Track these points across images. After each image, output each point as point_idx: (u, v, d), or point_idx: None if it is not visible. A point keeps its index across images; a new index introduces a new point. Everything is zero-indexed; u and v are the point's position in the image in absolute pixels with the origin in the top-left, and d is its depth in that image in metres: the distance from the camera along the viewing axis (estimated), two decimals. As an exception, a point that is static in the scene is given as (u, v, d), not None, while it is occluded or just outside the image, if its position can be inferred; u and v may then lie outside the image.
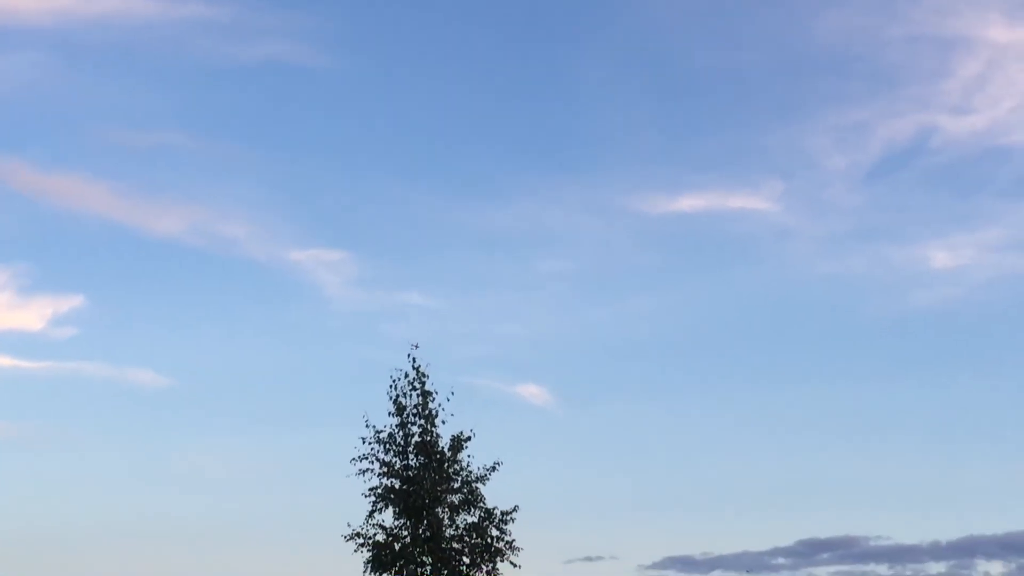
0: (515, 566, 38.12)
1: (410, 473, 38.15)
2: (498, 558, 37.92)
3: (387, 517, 38.15)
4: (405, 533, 37.99)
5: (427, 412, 38.52)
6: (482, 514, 38.23)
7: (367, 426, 38.54)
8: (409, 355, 38.67)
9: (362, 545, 37.83)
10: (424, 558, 37.62)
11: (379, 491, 38.18)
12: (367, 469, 38.38)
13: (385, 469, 38.29)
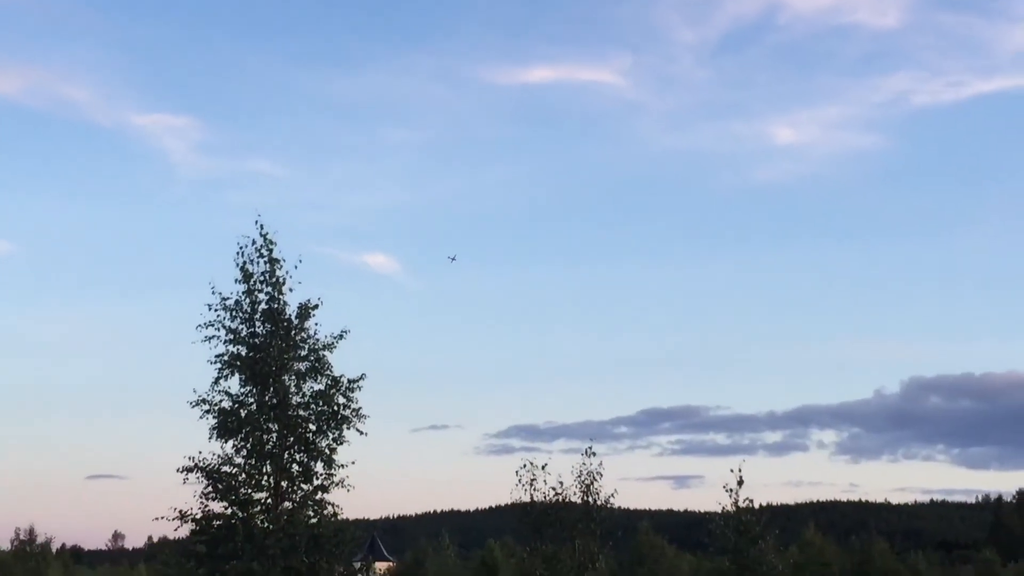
0: (361, 433, 38.47)
1: (256, 340, 38.10)
2: (344, 425, 38.19)
3: (233, 384, 38.19)
4: (251, 400, 38.05)
5: (274, 280, 38.38)
6: (329, 382, 38.38)
7: (213, 293, 38.32)
8: (256, 222, 38.38)
9: (208, 412, 37.79)
10: (270, 425, 37.76)
11: (225, 358, 38.08)
12: (213, 336, 38.24)
13: (231, 336, 38.16)
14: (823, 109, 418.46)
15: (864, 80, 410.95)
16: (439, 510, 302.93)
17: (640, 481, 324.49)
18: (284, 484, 37.86)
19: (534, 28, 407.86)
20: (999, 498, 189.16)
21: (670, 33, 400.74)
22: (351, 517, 40.47)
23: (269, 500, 37.73)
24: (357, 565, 40.87)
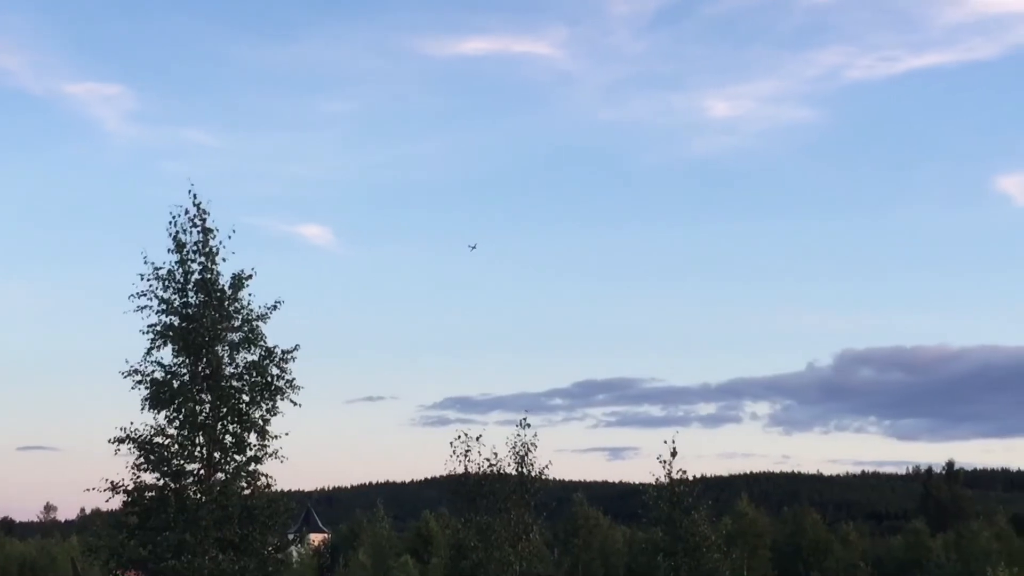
0: (295, 404, 38.31)
1: (189, 311, 37.77)
2: (278, 396, 38.00)
3: (166, 354, 37.84)
4: (184, 371, 37.76)
5: (207, 249, 38.04)
6: (262, 352, 38.15)
7: (146, 262, 37.92)
8: (189, 191, 38.01)
9: (140, 382, 37.49)
10: (203, 396, 37.51)
11: (158, 328, 37.75)
12: (146, 306, 37.88)
13: (164, 306, 37.83)
14: (757, 83, 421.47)
15: (798, 54, 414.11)
16: (374, 482, 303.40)
17: (575, 453, 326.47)
18: (217, 455, 37.63)
19: (469, 0, 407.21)
20: (929, 469, 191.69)
21: (605, 5, 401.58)
22: (285, 489, 40.39)
23: (202, 471, 37.51)
24: (291, 537, 40.83)
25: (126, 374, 37.52)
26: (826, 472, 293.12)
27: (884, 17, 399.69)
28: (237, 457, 37.82)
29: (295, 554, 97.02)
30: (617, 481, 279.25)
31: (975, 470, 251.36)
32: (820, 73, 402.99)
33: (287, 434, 38.11)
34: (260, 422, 37.81)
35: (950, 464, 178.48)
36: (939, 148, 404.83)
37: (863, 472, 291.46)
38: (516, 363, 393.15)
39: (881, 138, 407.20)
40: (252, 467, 37.79)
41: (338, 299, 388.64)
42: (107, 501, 37.44)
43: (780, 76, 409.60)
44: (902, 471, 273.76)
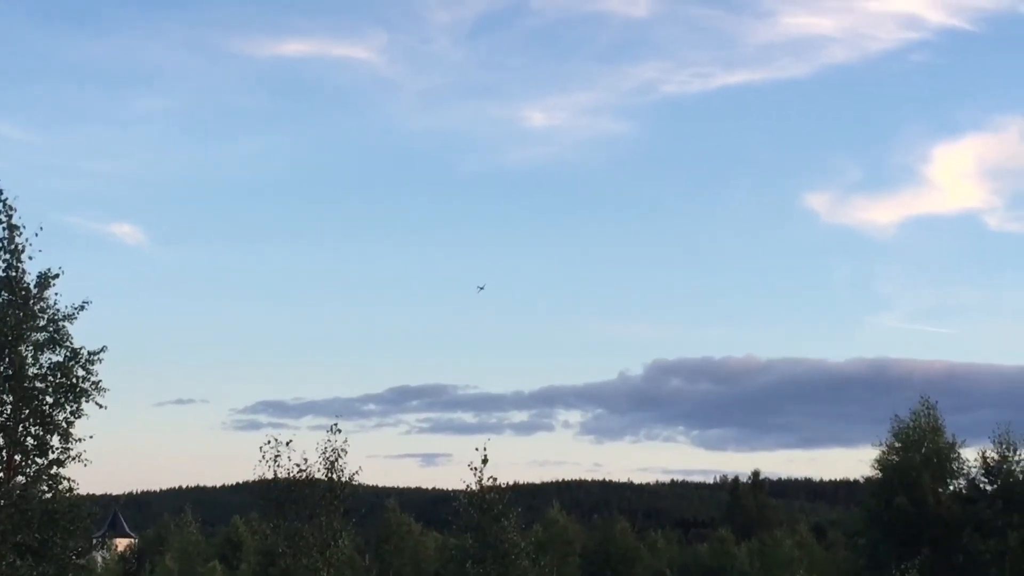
0: (101, 407, 37.68)
1: (-8, 309, 36.88)
2: (83, 398, 37.36)
3: (-34, 353, 36.88)
4: (-15, 370, 36.87)
5: (12, 247, 37.22)
6: (68, 353, 37.47)
7: (-54, 259, 36.90)
8: (-6, 187, 37.06)
9: (-64, 381, 36.49)
10: (4, 396, 36.78)
11: (-42, 326, 36.81)
12: (-55, 303, 36.88)
13: (-35, 304, 36.88)
14: (575, 95, 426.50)
15: (615, 68, 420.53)
16: (185, 486, 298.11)
17: (388, 458, 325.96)
18: (18, 458, 36.90)
19: (289, 0, 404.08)
20: (736, 479, 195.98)
21: (425, 12, 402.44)
22: (92, 492, 39.67)
23: (1, 474, 36.67)
24: (95, 541, 40.12)
25: (-78, 374, 36.51)
26: (636, 480, 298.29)
27: (698, 34, 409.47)
28: (39, 460, 37.13)
29: (99, 559, 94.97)
30: (430, 487, 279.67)
31: (780, 479, 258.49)
32: (636, 87, 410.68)
33: (92, 437, 37.59)
34: (64, 424, 37.19)
35: (756, 473, 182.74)
36: (749, 163, 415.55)
37: (672, 481, 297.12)
38: (330, 368, 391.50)
39: (694, 152, 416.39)
40: (54, 470, 37.12)
41: (149, 300, 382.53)
42: (-102, 505, 36.32)
43: (597, 88, 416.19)
44: (710, 480, 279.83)
